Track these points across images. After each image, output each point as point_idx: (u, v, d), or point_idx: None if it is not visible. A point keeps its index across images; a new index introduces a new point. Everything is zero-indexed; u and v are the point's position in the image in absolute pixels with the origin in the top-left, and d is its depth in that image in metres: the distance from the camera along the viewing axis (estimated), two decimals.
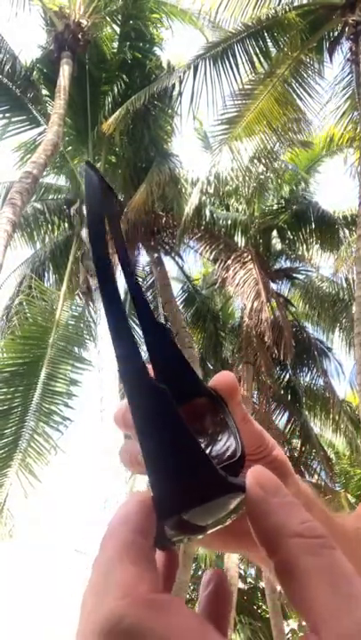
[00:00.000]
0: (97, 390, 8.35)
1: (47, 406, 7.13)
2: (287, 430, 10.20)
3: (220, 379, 0.40)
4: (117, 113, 8.27)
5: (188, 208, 9.06)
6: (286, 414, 10.35)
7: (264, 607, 11.08)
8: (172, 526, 0.29)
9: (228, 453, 0.33)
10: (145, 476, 0.36)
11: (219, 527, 0.31)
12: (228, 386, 0.39)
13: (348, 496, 11.25)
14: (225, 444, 0.34)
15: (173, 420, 0.28)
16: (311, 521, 0.26)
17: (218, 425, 0.36)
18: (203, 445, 0.34)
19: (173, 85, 8.30)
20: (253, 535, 0.27)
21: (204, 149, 12.00)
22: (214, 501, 0.28)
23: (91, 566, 0.26)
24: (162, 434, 0.29)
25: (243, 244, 10.24)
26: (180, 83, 8.23)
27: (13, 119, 9.64)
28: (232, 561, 8.72)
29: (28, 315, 8.15)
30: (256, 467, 0.29)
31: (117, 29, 9.91)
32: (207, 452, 0.34)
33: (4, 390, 7.20)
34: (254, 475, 0.28)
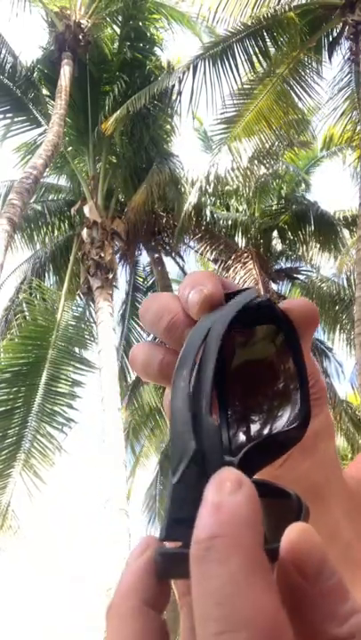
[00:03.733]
0: (97, 390, 8.36)
1: (50, 407, 7.14)
2: None
3: (299, 304, 0.32)
4: (117, 113, 8.28)
5: (187, 207, 9.06)
6: None
7: None
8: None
9: (289, 419, 0.28)
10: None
11: None
12: (307, 315, 0.31)
13: None
14: (287, 408, 0.28)
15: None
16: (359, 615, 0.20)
17: (280, 373, 0.30)
18: (259, 422, 0.29)
19: (173, 85, 8.31)
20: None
21: (204, 149, 12.01)
22: None
23: None
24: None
25: (243, 245, 10.24)
26: (180, 83, 8.24)
27: (14, 119, 9.66)
28: None
29: (29, 315, 8.16)
30: (296, 528, 0.21)
31: (118, 30, 9.92)
32: (265, 429, 0.28)
33: (7, 390, 7.21)
34: (291, 544, 0.21)
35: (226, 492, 0.21)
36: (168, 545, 0.22)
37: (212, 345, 0.26)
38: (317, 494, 0.40)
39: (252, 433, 0.30)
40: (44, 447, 6.91)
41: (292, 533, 0.21)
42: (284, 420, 0.29)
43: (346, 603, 0.20)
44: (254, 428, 0.30)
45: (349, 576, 0.44)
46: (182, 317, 0.32)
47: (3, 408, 7.06)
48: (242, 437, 0.30)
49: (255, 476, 0.27)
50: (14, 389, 7.23)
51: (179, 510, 0.22)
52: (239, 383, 0.31)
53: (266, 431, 0.29)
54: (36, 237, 10.49)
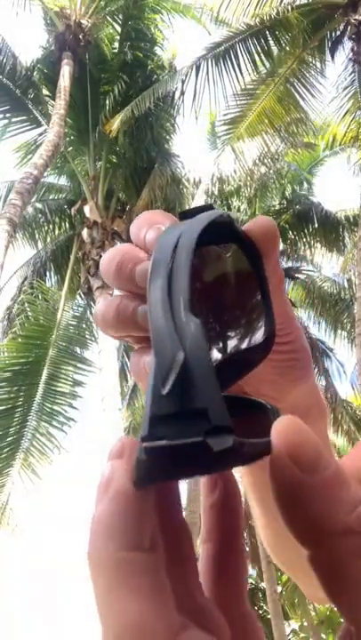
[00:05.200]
0: (98, 390, 8.36)
1: (50, 406, 7.14)
2: None
3: (258, 223, 0.31)
4: (122, 115, 8.27)
5: None
6: None
7: (265, 608, 11.08)
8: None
9: (255, 337, 0.27)
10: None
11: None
12: (266, 233, 0.30)
13: None
14: (251, 326, 0.27)
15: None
16: None
17: (246, 289, 0.29)
18: (228, 339, 0.27)
19: (176, 87, 8.32)
20: (283, 521, 0.20)
21: (210, 148, 12.00)
22: None
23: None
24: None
25: None
26: (183, 83, 8.24)
27: (14, 119, 9.66)
28: None
29: (30, 315, 8.17)
30: (285, 421, 0.21)
31: (118, 29, 9.91)
32: (234, 346, 0.27)
33: (7, 389, 7.21)
34: (284, 438, 0.20)
35: (96, 500, 0.21)
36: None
37: (184, 252, 0.25)
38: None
39: (221, 349, 0.29)
40: (43, 446, 6.92)
41: (282, 426, 0.21)
42: (252, 338, 0.28)
43: (349, 490, 0.20)
44: (224, 344, 0.29)
45: None
46: (132, 254, 0.31)
47: (3, 407, 7.07)
48: (214, 354, 0.29)
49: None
50: (15, 388, 7.24)
51: (163, 406, 0.21)
52: (207, 301, 0.30)
53: (234, 348, 0.28)
54: (37, 235, 10.49)
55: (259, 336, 0.27)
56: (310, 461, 0.20)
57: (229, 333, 0.28)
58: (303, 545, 0.20)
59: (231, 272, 0.30)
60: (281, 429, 0.21)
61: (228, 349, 0.29)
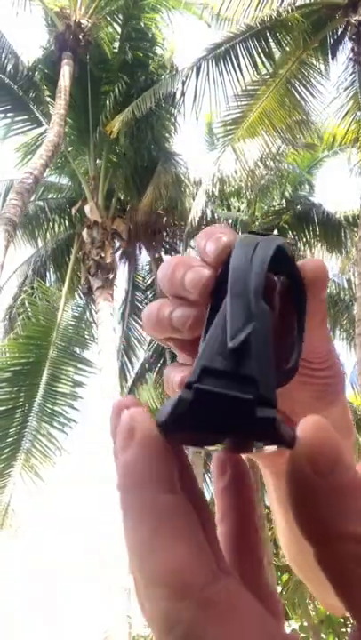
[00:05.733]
0: (98, 391, 8.35)
1: (50, 407, 7.14)
2: None
3: (311, 263, 0.33)
4: (123, 116, 8.27)
5: (194, 212, 9.03)
6: None
7: None
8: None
9: (287, 358, 0.28)
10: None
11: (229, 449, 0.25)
12: (316, 275, 0.32)
13: None
14: (289, 348, 0.29)
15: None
16: None
17: (286, 319, 0.31)
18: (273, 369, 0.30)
19: (177, 88, 8.33)
20: (292, 515, 0.21)
21: (209, 148, 12.00)
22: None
23: (125, 544, 0.21)
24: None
25: None
26: (183, 84, 8.24)
27: (15, 119, 9.67)
28: None
29: (31, 315, 8.16)
30: (311, 421, 0.21)
31: (118, 29, 9.92)
32: None
33: (8, 390, 7.21)
34: (306, 439, 0.21)
35: (120, 448, 0.21)
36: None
37: (261, 261, 0.27)
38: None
39: None
40: (44, 447, 6.91)
41: (308, 425, 0.21)
42: (280, 364, 0.29)
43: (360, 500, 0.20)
44: None
45: None
46: (187, 261, 0.33)
47: (4, 407, 7.06)
48: None
49: None
50: (15, 389, 7.23)
51: (217, 362, 0.22)
52: None
53: None
54: (37, 233, 10.50)
55: (288, 363, 0.29)
56: (327, 465, 0.20)
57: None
58: (309, 543, 0.21)
59: (279, 301, 0.32)
60: (306, 428, 0.21)
61: None
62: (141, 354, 10.59)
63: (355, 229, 9.31)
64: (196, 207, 9.08)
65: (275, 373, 0.22)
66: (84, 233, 9.10)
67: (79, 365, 7.77)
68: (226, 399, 0.21)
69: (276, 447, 0.22)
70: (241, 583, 0.21)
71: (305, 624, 9.53)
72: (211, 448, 0.25)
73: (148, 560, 0.20)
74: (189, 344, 0.34)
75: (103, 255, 8.80)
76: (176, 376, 0.34)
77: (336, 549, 0.20)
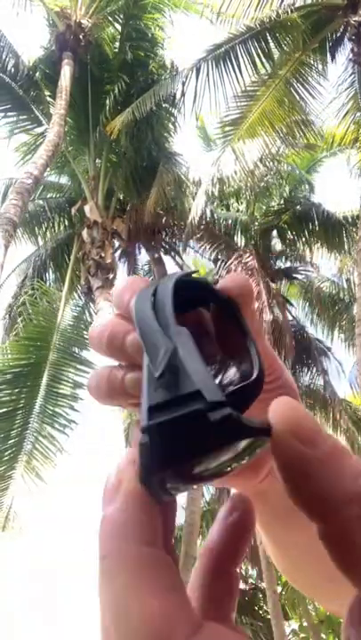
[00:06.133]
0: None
1: (52, 408, 7.13)
2: None
3: (233, 280, 0.32)
4: (123, 117, 8.27)
5: (194, 212, 9.04)
6: None
7: (265, 608, 11.09)
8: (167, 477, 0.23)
9: (245, 376, 0.27)
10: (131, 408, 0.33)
11: (223, 473, 0.25)
12: (241, 289, 0.32)
13: None
14: (240, 367, 0.28)
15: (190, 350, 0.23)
16: None
17: (230, 342, 0.30)
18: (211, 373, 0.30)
19: (177, 89, 8.35)
20: (287, 494, 0.21)
21: (204, 149, 12.01)
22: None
23: (98, 594, 0.20)
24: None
25: (243, 244, 10.25)
26: (183, 85, 8.25)
27: (15, 118, 9.67)
28: None
29: (32, 317, 8.15)
30: (282, 401, 0.22)
31: (119, 29, 9.92)
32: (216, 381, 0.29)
33: (9, 392, 7.20)
34: (283, 416, 0.21)
35: (105, 502, 0.21)
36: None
37: (164, 296, 0.27)
38: None
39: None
40: (45, 449, 6.91)
41: (279, 406, 0.22)
42: (242, 380, 0.28)
43: (351, 459, 0.21)
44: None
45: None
46: (122, 326, 0.32)
47: (4, 409, 7.05)
48: None
49: None
50: (16, 390, 7.22)
51: (159, 397, 0.22)
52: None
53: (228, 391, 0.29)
54: (37, 231, 10.51)
55: (249, 376, 0.28)
56: (310, 436, 0.21)
57: (221, 380, 0.29)
58: (312, 519, 0.21)
59: (215, 329, 0.32)
60: (278, 409, 0.22)
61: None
62: None
63: (354, 229, 9.32)
64: (196, 207, 9.08)
65: (210, 374, 0.23)
66: (84, 233, 9.11)
67: (79, 366, 7.77)
68: (178, 421, 0.21)
69: (266, 441, 0.22)
70: (225, 627, 0.21)
71: (305, 624, 9.54)
72: (205, 482, 0.24)
73: (125, 614, 0.19)
74: None
75: (103, 255, 8.81)
76: (104, 372, 0.34)
77: (341, 514, 0.20)
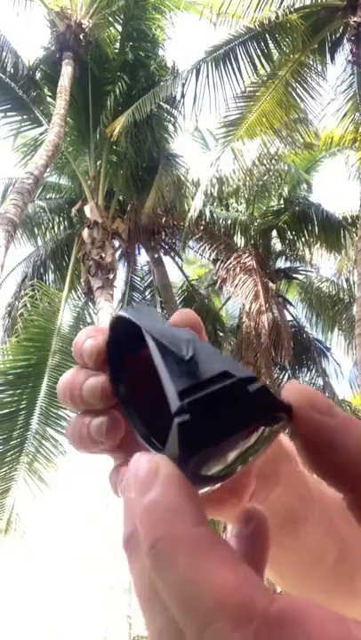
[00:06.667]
0: None
1: (55, 411, 7.12)
2: None
3: (181, 316, 0.33)
4: (124, 119, 8.28)
5: (192, 212, 9.05)
6: None
7: None
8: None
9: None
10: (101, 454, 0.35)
11: (239, 469, 0.24)
12: (190, 323, 0.32)
13: None
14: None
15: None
16: None
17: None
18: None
19: (177, 90, 8.36)
20: (312, 469, 0.22)
21: (203, 150, 12.02)
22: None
23: (145, 591, 0.20)
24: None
25: (242, 245, 10.26)
26: (183, 86, 8.27)
27: (15, 119, 9.67)
28: None
29: (32, 317, 8.14)
30: (293, 383, 0.23)
31: (119, 29, 9.91)
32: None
33: (11, 392, 7.19)
34: (299, 393, 0.22)
35: (140, 489, 0.21)
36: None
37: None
38: (296, 518, 0.40)
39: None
40: (47, 451, 6.89)
41: (291, 387, 0.23)
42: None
43: None
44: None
45: (343, 593, 0.43)
46: (75, 380, 0.35)
47: (6, 410, 7.04)
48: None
49: None
50: (18, 391, 7.21)
51: (186, 382, 0.22)
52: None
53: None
54: (37, 232, 10.51)
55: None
56: (327, 407, 0.22)
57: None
58: (340, 489, 0.21)
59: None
60: (292, 388, 0.23)
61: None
62: None
63: (353, 229, 9.33)
64: (194, 207, 9.10)
65: (233, 359, 0.24)
66: (84, 233, 9.11)
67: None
68: (217, 395, 0.21)
69: (285, 425, 0.23)
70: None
71: None
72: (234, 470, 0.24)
73: (197, 595, 0.18)
74: (117, 447, 0.35)
75: (103, 255, 8.81)
76: (122, 478, 0.33)
77: None
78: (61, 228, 10.60)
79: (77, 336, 0.35)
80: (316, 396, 0.22)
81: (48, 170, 8.38)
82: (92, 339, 0.34)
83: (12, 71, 9.16)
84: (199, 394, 0.21)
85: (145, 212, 9.19)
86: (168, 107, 9.40)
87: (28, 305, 8.46)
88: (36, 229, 10.48)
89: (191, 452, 0.21)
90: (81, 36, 9.36)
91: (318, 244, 10.56)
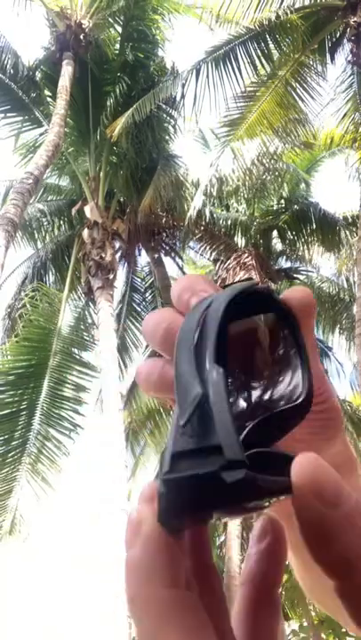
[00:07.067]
0: (97, 393, 8.34)
1: (57, 411, 7.10)
2: None
3: (295, 293, 0.31)
4: (124, 120, 8.28)
5: (192, 211, 9.05)
6: None
7: None
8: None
9: (293, 395, 0.27)
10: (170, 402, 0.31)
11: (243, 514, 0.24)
12: (303, 302, 0.31)
13: None
14: (290, 383, 0.28)
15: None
16: None
17: (283, 355, 0.29)
18: (260, 388, 0.28)
19: (177, 90, 8.37)
20: (309, 553, 0.21)
21: (203, 150, 12.02)
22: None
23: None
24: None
25: (243, 245, 10.25)
26: (183, 86, 8.27)
27: (16, 119, 9.67)
28: (233, 562, 8.72)
29: (32, 317, 8.14)
30: (305, 458, 0.21)
31: (119, 30, 9.92)
32: (266, 395, 0.28)
33: (12, 393, 7.17)
34: (305, 476, 0.21)
35: (128, 544, 0.22)
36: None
37: (213, 318, 0.26)
38: None
39: (260, 411, 0.29)
40: (50, 452, 6.86)
41: (301, 464, 0.21)
42: (289, 400, 0.28)
43: None
44: (262, 406, 0.29)
45: None
46: (179, 321, 0.31)
47: (7, 410, 7.02)
48: (243, 405, 0.29)
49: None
50: (19, 392, 7.19)
51: (183, 444, 0.23)
52: (246, 368, 0.30)
53: (273, 409, 0.28)
54: (36, 235, 10.50)
55: (297, 398, 0.27)
56: (332, 496, 0.21)
57: (267, 396, 0.28)
58: (331, 577, 0.21)
59: (269, 339, 0.30)
60: (300, 468, 0.21)
61: (267, 410, 0.29)
62: (135, 355, 10.61)
63: (353, 229, 9.32)
64: (193, 207, 9.09)
65: (234, 429, 0.22)
66: (85, 233, 9.11)
67: (81, 369, 7.73)
68: (193, 479, 0.21)
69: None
70: None
71: (305, 624, 9.53)
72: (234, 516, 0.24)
73: None
74: None
75: (103, 255, 8.81)
76: (158, 366, 0.32)
77: (359, 575, 0.20)
78: (62, 229, 10.59)
79: (180, 284, 0.32)
80: (322, 483, 0.21)
81: (48, 171, 8.37)
82: (202, 295, 0.30)
83: (11, 72, 9.16)
84: (180, 473, 0.22)
85: (141, 210, 9.18)
86: (168, 107, 9.40)
87: (28, 306, 8.46)
88: (35, 233, 10.47)
89: (166, 518, 0.22)
90: (81, 37, 9.37)
91: (318, 244, 10.56)
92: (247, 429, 0.26)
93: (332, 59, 8.35)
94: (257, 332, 0.30)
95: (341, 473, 0.37)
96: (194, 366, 0.24)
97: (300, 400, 0.26)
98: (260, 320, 0.30)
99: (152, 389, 0.33)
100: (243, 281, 0.30)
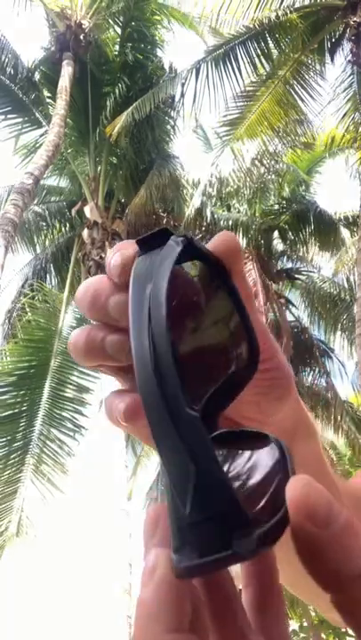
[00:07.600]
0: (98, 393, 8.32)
1: (58, 412, 7.08)
2: None
3: (221, 238, 0.30)
4: (123, 120, 8.27)
5: (190, 210, 9.05)
6: None
7: None
8: None
9: (239, 357, 0.26)
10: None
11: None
12: (228, 248, 0.30)
13: None
14: (234, 342, 0.27)
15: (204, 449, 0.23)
16: None
17: (221, 309, 0.28)
18: (212, 364, 0.27)
19: (176, 90, 8.36)
20: (305, 571, 0.23)
21: (204, 150, 12.01)
22: None
23: None
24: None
25: (244, 245, 10.25)
26: (183, 86, 8.26)
27: (16, 120, 9.66)
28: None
29: (32, 318, 8.13)
30: (297, 482, 0.23)
31: (119, 31, 9.92)
32: (220, 371, 0.27)
33: (13, 394, 7.16)
34: (297, 500, 0.22)
35: (142, 584, 0.23)
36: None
37: (158, 328, 0.24)
38: None
39: (208, 376, 0.28)
40: (55, 453, 6.84)
41: (294, 491, 0.22)
42: (236, 358, 0.27)
43: (359, 536, 0.22)
44: (210, 370, 0.29)
45: None
46: (105, 286, 0.31)
47: (10, 412, 7.01)
48: (200, 383, 0.28)
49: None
50: (21, 392, 7.18)
51: (186, 522, 0.23)
52: (184, 324, 0.28)
53: (221, 373, 0.28)
54: (36, 239, 10.50)
55: (242, 355, 0.27)
56: (323, 517, 0.22)
57: (213, 358, 0.28)
58: (327, 591, 0.22)
59: (204, 292, 0.29)
60: (293, 495, 0.22)
61: (216, 375, 0.28)
62: None
63: (354, 229, 9.32)
64: (192, 206, 9.09)
65: (234, 493, 0.23)
66: (85, 233, 9.11)
67: (83, 370, 7.73)
68: (208, 565, 0.22)
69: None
70: None
71: (305, 624, 9.52)
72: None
73: None
74: (125, 369, 0.32)
75: (103, 255, 8.81)
76: (119, 405, 0.31)
77: (352, 587, 0.22)
78: (62, 231, 10.59)
79: (87, 290, 0.32)
80: (313, 506, 0.22)
81: (48, 171, 8.37)
82: (119, 252, 0.30)
83: (11, 72, 9.16)
84: (191, 562, 0.22)
85: (133, 209, 9.15)
86: (168, 107, 9.40)
87: (27, 307, 8.45)
88: (35, 237, 10.46)
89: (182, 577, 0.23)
90: (81, 37, 9.37)
91: (318, 245, 10.56)
92: (203, 401, 0.26)
93: (332, 58, 8.35)
94: (197, 292, 0.29)
95: (298, 438, 0.38)
96: (168, 419, 0.23)
97: (245, 358, 0.26)
98: (196, 282, 0.29)
99: (81, 358, 0.32)
100: (154, 232, 0.28)
